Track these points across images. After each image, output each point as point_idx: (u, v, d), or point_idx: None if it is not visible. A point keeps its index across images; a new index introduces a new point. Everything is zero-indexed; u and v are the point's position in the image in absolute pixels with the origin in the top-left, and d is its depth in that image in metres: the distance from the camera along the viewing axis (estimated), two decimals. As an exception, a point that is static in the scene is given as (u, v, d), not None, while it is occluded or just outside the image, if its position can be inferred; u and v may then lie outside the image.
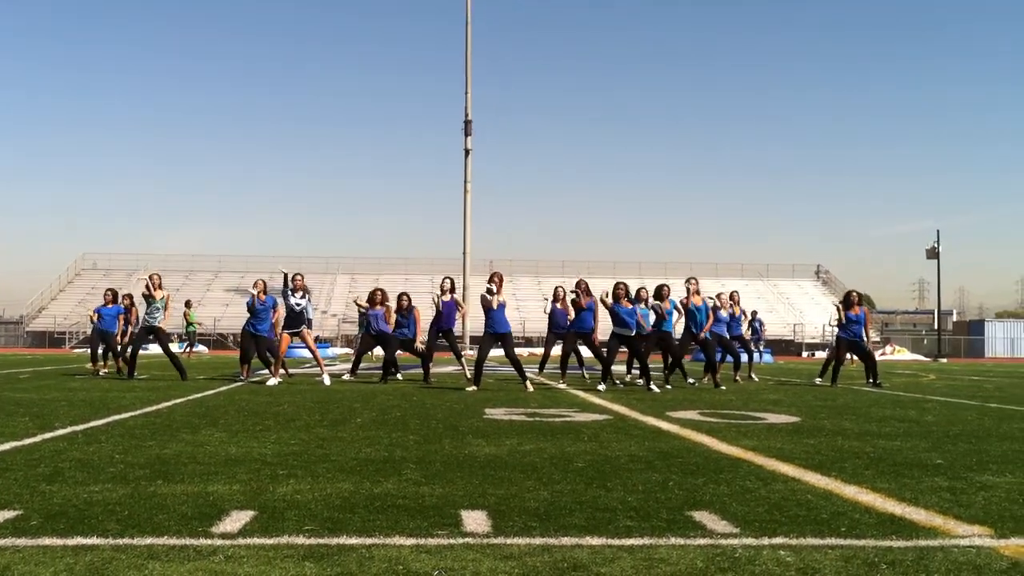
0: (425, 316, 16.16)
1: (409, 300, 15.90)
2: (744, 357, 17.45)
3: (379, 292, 15.79)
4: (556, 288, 16.48)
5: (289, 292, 14.81)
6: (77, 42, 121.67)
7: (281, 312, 15.44)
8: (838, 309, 15.86)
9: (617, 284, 13.93)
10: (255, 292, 15.40)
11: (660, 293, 14.72)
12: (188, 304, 28.94)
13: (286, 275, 15.16)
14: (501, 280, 13.24)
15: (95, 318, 17.01)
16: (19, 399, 10.59)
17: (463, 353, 15.78)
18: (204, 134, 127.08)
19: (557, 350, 16.82)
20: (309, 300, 15.20)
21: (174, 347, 18.26)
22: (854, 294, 15.94)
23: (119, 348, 16.96)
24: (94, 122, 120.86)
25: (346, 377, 15.80)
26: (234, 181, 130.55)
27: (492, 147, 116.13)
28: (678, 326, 15.72)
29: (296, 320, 14.76)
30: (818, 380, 16.50)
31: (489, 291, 13.01)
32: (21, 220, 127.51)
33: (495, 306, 13.05)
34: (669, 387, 14.13)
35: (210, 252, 78.84)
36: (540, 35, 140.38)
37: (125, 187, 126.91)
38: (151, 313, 15.30)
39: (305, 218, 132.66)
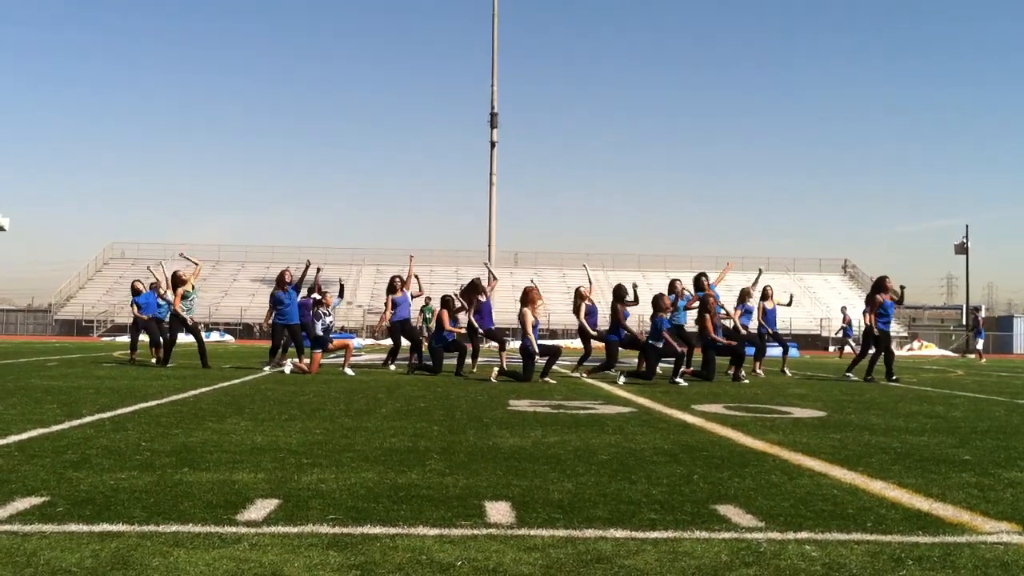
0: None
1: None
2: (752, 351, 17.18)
3: (397, 279, 15.83)
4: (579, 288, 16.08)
5: (322, 312, 14.64)
6: (106, 34, 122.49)
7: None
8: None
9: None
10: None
11: (674, 287, 15.22)
12: None
13: (308, 264, 15.50)
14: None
15: (136, 310, 17.13)
16: (47, 386, 10.70)
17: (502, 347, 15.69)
18: (231, 126, 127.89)
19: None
20: (333, 317, 15.09)
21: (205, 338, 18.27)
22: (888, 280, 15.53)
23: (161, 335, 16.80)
24: (124, 113, 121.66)
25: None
26: (260, 173, 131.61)
27: (517, 141, 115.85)
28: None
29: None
30: (850, 374, 16.26)
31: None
32: (50, 210, 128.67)
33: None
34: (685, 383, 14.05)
35: (236, 243, 79.30)
36: (567, 29, 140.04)
37: (153, 177, 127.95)
38: (185, 303, 15.41)
39: (331, 210, 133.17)
